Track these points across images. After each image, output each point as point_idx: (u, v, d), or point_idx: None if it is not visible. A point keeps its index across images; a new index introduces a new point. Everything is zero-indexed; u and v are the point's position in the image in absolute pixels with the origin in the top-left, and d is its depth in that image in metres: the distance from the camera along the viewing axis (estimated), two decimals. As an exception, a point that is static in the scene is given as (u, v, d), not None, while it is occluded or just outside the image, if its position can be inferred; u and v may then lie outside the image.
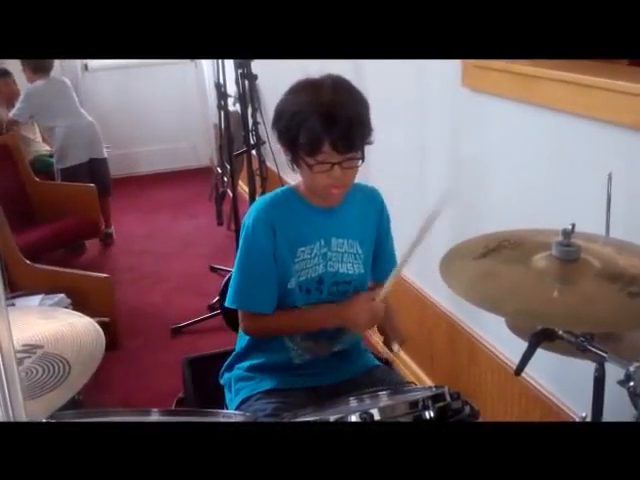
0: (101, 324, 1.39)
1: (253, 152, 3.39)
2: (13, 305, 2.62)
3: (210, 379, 1.81)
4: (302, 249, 1.60)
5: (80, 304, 2.86)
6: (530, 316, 1.20)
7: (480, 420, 1.30)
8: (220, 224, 4.01)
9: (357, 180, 1.61)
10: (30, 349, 1.27)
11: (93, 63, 6.15)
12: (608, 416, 1.30)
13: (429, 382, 2.63)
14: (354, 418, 1.17)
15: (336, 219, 1.63)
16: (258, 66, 3.22)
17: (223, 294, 1.66)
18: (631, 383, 1.08)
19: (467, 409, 1.25)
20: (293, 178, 1.68)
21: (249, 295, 1.61)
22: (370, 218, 1.69)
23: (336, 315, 1.60)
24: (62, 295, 2.99)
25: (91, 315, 1.43)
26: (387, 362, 1.82)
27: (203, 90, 6.22)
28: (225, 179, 4.16)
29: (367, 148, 1.53)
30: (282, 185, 1.77)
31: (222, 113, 3.46)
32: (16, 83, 4.90)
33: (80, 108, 4.71)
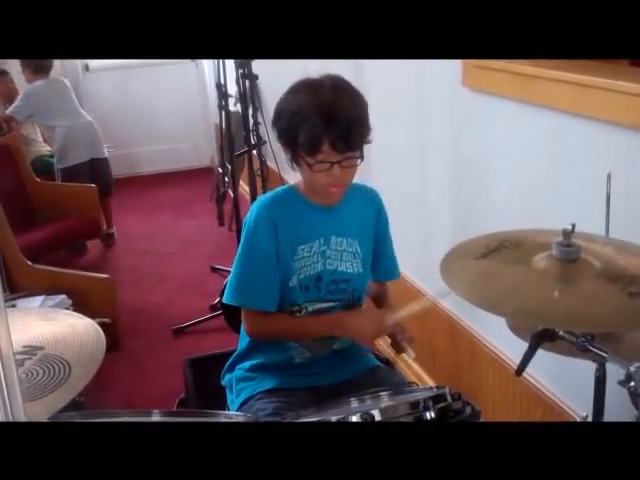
0: (102, 325, 1.39)
1: (254, 152, 3.39)
2: (14, 306, 2.62)
3: (212, 380, 1.81)
4: (302, 247, 1.60)
5: (81, 305, 2.86)
6: (530, 316, 1.20)
7: (481, 420, 1.30)
8: (221, 225, 4.01)
9: (358, 180, 1.62)
10: (30, 350, 1.28)
11: (94, 63, 6.14)
12: (609, 416, 1.30)
13: (431, 382, 2.63)
14: (355, 419, 1.17)
15: (335, 218, 1.63)
16: (259, 66, 3.22)
17: (224, 294, 1.66)
18: (632, 383, 1.09)
19: (468, 409, 1.25)
20: (294, 178, 1.69)
21: (251, 292, 1.60)
22: (368, 218, 1.69)
23: (342, 326, 1.60)
24: (63, 296, 2.99)
25: (92, 316, 1.43)
26: (388, 362, 1.82)
27: (204, 90, 6.22)
28: (226, 179, 4.16)
29: (367, 148, 1.54)
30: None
31: (223, 113, 3.47)
32: (14, 82, 4.91)
33: (80, 108, 4.71)
